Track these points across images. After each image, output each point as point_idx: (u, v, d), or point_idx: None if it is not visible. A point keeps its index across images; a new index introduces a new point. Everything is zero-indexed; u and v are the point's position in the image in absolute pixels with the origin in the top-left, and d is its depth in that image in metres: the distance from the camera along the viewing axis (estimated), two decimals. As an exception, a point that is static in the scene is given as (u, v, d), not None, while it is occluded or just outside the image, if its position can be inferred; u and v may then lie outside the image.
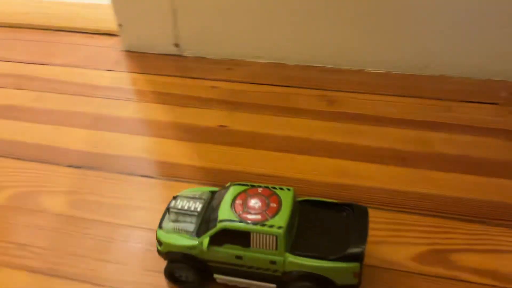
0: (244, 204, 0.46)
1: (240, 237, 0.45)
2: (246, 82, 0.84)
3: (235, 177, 0.65)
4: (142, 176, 0.67)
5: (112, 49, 0.95)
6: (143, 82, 0.85)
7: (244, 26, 0.86)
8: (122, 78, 0.87)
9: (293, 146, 0.70)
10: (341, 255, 0.44)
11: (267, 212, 0.45)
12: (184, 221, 0.49)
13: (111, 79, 0.87)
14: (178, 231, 0.48)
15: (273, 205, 0.46)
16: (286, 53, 0.87)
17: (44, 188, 0.65)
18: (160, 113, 0.78)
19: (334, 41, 0.84)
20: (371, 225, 0.47)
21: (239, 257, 0.46)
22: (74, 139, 0.74)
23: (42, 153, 0.71)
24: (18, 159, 0.70)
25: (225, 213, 0.46)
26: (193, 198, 0.51)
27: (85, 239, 0.58)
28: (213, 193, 0.52)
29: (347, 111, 0.77)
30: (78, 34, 0.99)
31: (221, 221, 0.45)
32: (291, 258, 0.45)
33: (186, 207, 0.50)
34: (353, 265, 0.44)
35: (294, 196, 0.48)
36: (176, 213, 0.50)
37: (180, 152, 0.70)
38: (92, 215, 0.61)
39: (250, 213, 0.45)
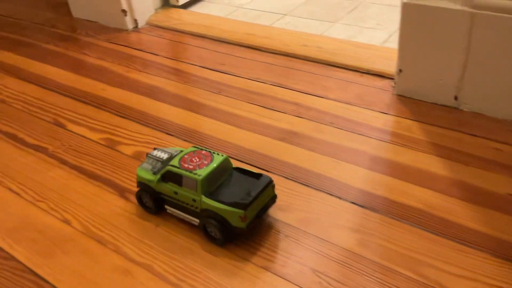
0: (188, 158, 0.68)
1: (177, 178, 0.67)
2: (536, 151, 0.78)
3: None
4: (425, 229, 0.66)
5: (382, 90, 0.97)
6: (418, 130, 0.85)
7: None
8: (396, 122, 0.88)
9: None
10: (232, 202, 0.63)
11: (199, 165, 0.66)
12: (153, 164, 0.72)
13: (385, 121, 0.89)
14: (147, 170, 0.71)
15: (205, 162, 0.67)
16: None
17: (331, 219, 0.69)
18: (438, 166, 0.77)
19: None
20: None
21: (176, 193, 0.68)
22: (354, 176, 0.77)
23: (325, 184, 0.76)
24: (307, 185, 0.76)
25: (174, 162, 0.68)
26: (165, 151, 0.73)
27: (370, 282, 0.60)
28: (181, 151, 0.71)
29: None
30: (349, 72, 1.04)
31: (169, 165, 0.68)
32: (204, 199, 0.65)
33: (157, 156, 0.72)
34: (238, 211, 0.63)
35: (224, 161, 0.68)
36: (151, 158, 0.73)
37: (466, 214, 0.68)
38: (380, 259, 0.63)
39: (188, 164, 0.67)
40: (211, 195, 0.65)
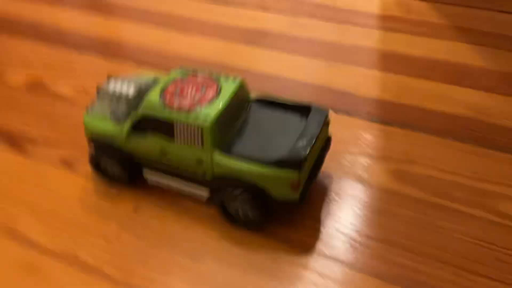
0: (177, 90, 0.40)
1: (164, 127, 0.39)
2: None
3: None
4: (480, 145, 0.45)
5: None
6: (430, 11, 0.63)
7: None
8: (398, 5, 0.65)
9: None
10: (276, 159, 0.36)
11: (199, 101, 0.38)
12: (113, 105, 0.42)
13: (383, 3, 0.65)
14: (104, 116, 0.42)
15: (209, 94, 0.39)
16: None
17: (346, 147, 0.46)
18: (473, 56, 0.55)
19: None
20: None
21: (163, 153, 0.40)
22: (362, 83, 0.54)
23: (326, 98, 0.52)
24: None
25: (152, 99, 0.39)
26: (129, 81, 0.44)
27: (415, 220, 0.39)
28: (156, 79, 0.45)
29: None
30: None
31: (144, 105, 0.39)
32: (218, 157, 0.38)
33: (117, 90, 0.43)
34: (289, 172, 0.36)
35: (240, 88, 0.40)
36: (107, 96, 0.43)
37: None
38: (423, 193, 0.41)
39: (179, 100, 0.39)
40: (228, 149, 0.38)
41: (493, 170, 0.43)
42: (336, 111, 0.49)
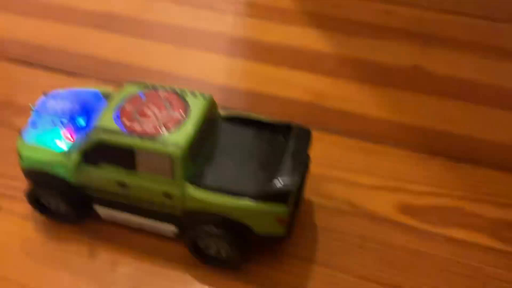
0: (136, 111, 0.34)
1: (123, 156, 0.33)
2: (436, 10, 0.61)
3: (467, 145, 0.45)
4: (318, 128, 0.46)
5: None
6: (285, -2, 0.63)
7: None
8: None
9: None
10: (262, 191, 0.32)
11: (165, 124, 0.33)
12: (55, 128, 0.36)
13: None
14: (46, 142, 0.35)
15: (176, 115, 0.33)
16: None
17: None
18: (319, 41, 0.56)
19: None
20: None
21: (122, 184, 0.34)
22: (211, 68, 0.52)
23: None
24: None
25: (106, 121, 0.33)
26: (71, 97, 0.37)
27: None
28: (108, 94, 0.38)
29: None
30: None
31: (98, 130, 0.33)
32: (192, 191, 0.33)
33: (61, 110, 0.36)
34: (277, 207, 0.32)
35: (211, 107, 0.35)
36: (46, 117, 0.36)
37: (366, 99, 0.49)
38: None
39: (140, 124, 0.33)
40: (201, 180, 0.33)
41: (327, 153, 0.43)
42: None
